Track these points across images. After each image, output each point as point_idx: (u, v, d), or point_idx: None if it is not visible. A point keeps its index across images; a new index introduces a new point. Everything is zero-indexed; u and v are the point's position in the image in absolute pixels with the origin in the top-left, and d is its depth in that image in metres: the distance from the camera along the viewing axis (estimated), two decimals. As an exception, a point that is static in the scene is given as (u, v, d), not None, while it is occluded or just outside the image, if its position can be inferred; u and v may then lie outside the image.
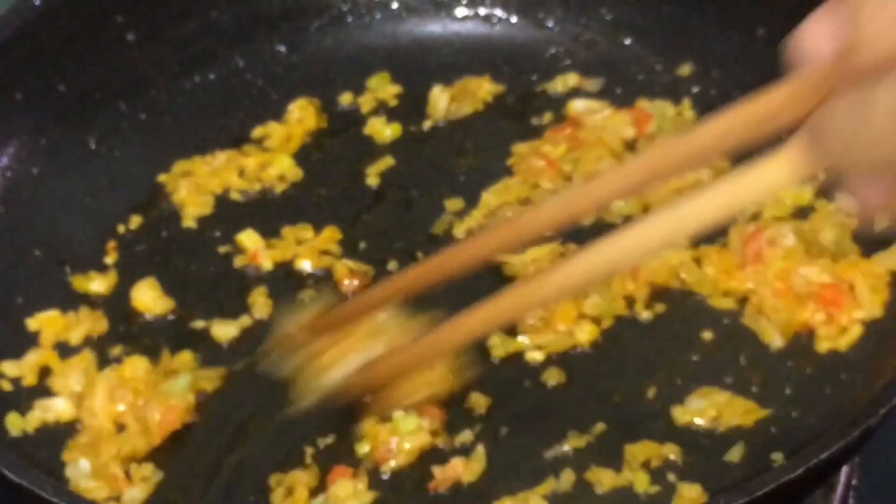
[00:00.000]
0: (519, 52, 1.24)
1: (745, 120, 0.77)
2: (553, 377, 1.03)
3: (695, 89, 1.20)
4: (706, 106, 1.18)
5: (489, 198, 1.14)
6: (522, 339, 1.04)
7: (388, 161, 1.18)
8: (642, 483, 0.96)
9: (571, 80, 1.21)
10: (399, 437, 0.99)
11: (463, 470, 0.98)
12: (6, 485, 0.90)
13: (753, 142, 0.78)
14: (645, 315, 1.05)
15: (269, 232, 1.13)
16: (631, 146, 1.16)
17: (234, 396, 1.04)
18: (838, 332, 1.03)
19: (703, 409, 1.00)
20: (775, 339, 1.03)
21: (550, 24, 1.25)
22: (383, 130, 1.20)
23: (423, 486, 0.98)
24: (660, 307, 1.06)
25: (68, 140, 1.18)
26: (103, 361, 1.06)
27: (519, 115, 1.20)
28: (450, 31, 1.26)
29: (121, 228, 1.15)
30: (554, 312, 1.05)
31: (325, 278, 1.10)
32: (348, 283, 1.09)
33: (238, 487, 0.99)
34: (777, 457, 0.96)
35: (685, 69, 1.21)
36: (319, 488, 0.98)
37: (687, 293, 1.06)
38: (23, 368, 1.06)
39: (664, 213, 0.82)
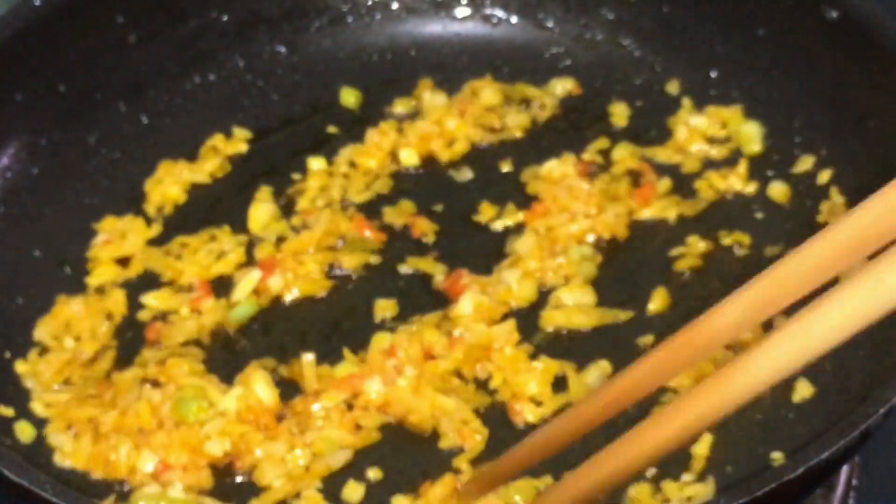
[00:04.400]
0: (519, 53, 1.24)
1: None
2: None
3: (694, 89, 1.20)
4: (705, 105, 1.18)
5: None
6: None
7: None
8: None
9: (569, 83, 1.22)
10: None
11: None
12: (6, 485, 0.90)
13: None
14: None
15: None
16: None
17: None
18: None
19: None
20: None
21: (550, 24, 1.25)
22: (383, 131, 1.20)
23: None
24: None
25: (68, 140, 1.18)
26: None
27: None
28: (450, 31, 1.26)
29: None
30: None
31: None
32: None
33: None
34: (777, 457, 0.96)
35: (684, 69, 1.21)
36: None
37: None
38: (24, 369, 1.06)
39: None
